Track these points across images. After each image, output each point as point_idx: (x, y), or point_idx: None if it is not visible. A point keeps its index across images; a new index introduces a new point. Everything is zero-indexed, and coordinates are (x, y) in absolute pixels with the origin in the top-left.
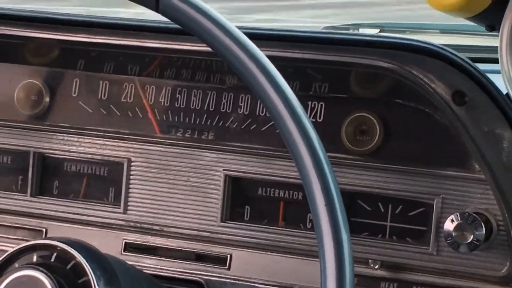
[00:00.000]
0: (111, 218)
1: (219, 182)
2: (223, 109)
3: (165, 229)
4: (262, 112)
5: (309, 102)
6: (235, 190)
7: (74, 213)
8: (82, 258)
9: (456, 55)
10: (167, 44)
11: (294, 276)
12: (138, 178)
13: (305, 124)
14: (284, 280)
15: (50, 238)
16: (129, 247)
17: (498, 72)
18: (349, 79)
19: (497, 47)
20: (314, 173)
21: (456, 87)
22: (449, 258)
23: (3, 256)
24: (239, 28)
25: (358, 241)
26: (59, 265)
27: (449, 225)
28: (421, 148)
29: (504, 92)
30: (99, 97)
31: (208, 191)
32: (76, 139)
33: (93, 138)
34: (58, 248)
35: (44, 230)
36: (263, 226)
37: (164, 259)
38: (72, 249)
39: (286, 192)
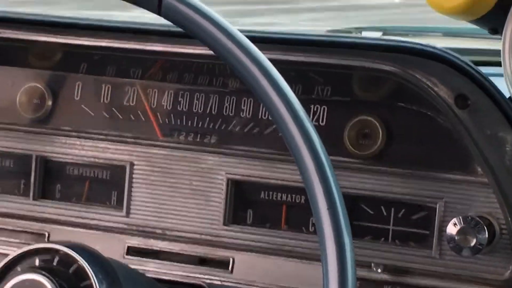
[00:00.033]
0: (113, 222)
1: (221, 186)
2: (225, 112)
3: (167, 232)
4: (265, 116)
5: (312, 106)
6: (238, 194)
7: (76, 217)
8: (84, 261)
9: (458, 58)
10: (169, 47)
11: (296, 280)
12: (140, 181)
13: (308, 128)
14: (286, 283)
15: (52, 242)
16: (132, 251)
17: (501, 75)
18: (351, 83)
19: (500, 50)
20: (316, 177)
21: (459, 90)
22: (451, 261)
23: (6, 260)
24: (241, 31)
25: (360, 244)
26: (61, 269)
27: (451, 229)
28: (423, 151)
29: (507, 95)
30: (102, 101)
31: (210, 195)
32: (78, 142)
33: (95, 141)
34: (61, 251)
35: (46, 233)
36: (265, 229)
37: (166, 262)
38: (75, 253)
39: (289, 195)
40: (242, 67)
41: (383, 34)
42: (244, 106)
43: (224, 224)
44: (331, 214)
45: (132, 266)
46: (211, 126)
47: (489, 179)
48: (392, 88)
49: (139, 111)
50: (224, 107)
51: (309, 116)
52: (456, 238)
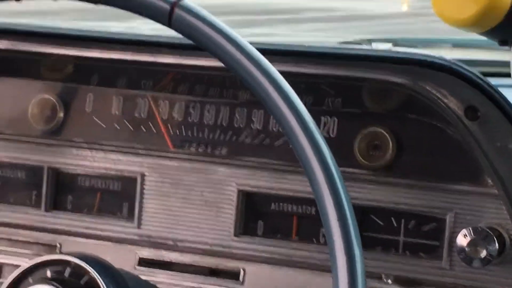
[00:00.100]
0: (125, 233)
1: (232, 197)
2: (236, 124)
3: (178, 243)
4: (275, 128)
5: (322, 117)
6: (249, 205)
7: (88, 228)
8: (95, 273)
9: (468, 70)
10: (180, 59)
11: None
12: (151, 192)
13: (318, 139)
14: None
15: (64, 253)
16: (143, 262)
17: (510, 86)
18: (361, 94)
19: (509, 61)
20: (327, 188)
21: (469, 102)
22: (462, 273)
23: (18, 271)
24: (251, 43)
25: (371, 256)
26: (73, 280)
27: (462, 240)
28: (433, 163)
29: None
30: (113, 112)
31: (221, 206)
32: (90, 154)
33: (106, 153)
34: (72, 263)
35: (58, 245)
36: (276, 241)
37: (177, 274)
38: (86, 264)
39: (299, 206)
40: (252, 79)
41: (393, 46)
42: (254, 117)
43: (235, 235)
44: (341, 226)
45: (143, 277)
46: (222, 138)
47: (499, 190)
48: (402, 100)
49: (150, 123)
50: (235, 118)
51: (320, 127)
52: (466, 249)
